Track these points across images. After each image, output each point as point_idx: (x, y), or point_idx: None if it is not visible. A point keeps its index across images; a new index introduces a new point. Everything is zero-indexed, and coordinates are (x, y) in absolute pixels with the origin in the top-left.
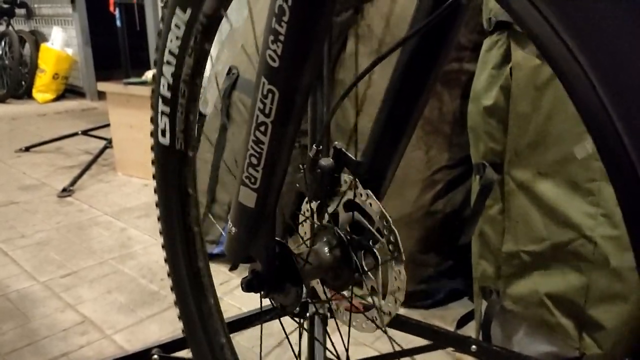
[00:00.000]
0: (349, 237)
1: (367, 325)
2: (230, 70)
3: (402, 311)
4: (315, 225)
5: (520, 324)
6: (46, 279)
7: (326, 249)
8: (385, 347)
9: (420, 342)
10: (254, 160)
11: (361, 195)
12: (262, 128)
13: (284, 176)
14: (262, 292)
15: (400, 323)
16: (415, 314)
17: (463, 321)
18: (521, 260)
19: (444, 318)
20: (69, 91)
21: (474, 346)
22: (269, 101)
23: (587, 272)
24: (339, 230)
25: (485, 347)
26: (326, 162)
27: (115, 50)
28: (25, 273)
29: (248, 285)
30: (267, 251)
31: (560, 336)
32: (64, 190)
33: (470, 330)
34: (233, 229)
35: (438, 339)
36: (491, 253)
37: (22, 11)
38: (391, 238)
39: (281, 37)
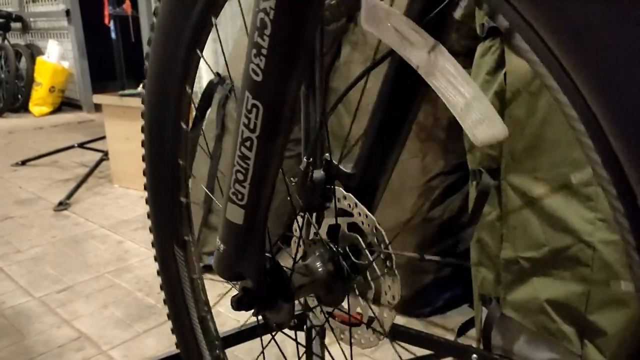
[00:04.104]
0: (341, 251)
1: (365, 339)
2: (224, 80)
3: (401, 320)
4: (308, 239)
5: (521, 331)
6: (42, 294)
7: (318, 264)
8: (385, 357)
9: (420, 352)
10: (240, 176)
11: (351, 206)
12: (248, 143)
13: (272, 191)
14: (253, 311)
15: (399, 333)
16: (415, 323)
17: (463, 329)
18: (520, 267)
19: (444, 326)
20: (66, 104)
21: (474, 355)
22: (253, 116)
23: (587, 277)
24: (331, 244)
25: (486, 355)
26: (317, 174)
27: (111, 62)
28: (20, 289)
29: (238, 304)
30: (257, 268)
31: (561, 343)
32: (60, 203)
33: (471, 338)
34: (221, 246)
35: (438, 348)
36: (490, 260)
37: (18, 25)
38: (383, 249)
39: (264, 51)
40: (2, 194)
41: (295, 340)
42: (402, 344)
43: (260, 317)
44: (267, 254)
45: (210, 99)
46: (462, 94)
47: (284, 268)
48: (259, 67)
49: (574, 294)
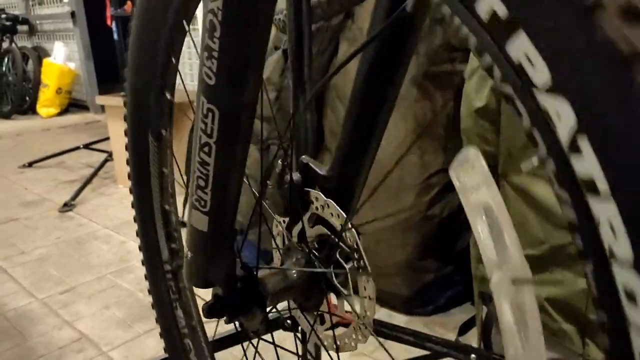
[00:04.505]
0: (317, 256)
1: (348, 342)
2: None
3: (403, 319)
4: (284, 244)
5: None
6: (44, 295)
7: (293, 270)
8: (386, 357)
9: (418, 352)
10: (202, 183)
11: (324, 208)
12: (206, 149)
13: (237, 197)
14: (225, 318)
15: (395, 333)
16: (416, 321)
17: (465, 328)
18: None
19: (446, 325)
20: (73, 105)
21: (473, 355)
22: (209, 121)
23: None
24: (307, 249)
25: (486, 355)
26: (294, 176)
27: (116, 63)
28: (23, 290)
29: (209, 311)
30: (226, 275)
31: (562, 342)
32: (65, 205)
33: (473, 337)
34: (189, 253)
35: (436, 348)
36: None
37: (25, 27)
38: (356, 253)
39: (215, 54)
40: (8, 196)
41: (273, 343)
42: (398, 344)
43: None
44: (239, 260)
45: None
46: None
47: (256, 274)
48: (211, 70)
49: (574, 292)
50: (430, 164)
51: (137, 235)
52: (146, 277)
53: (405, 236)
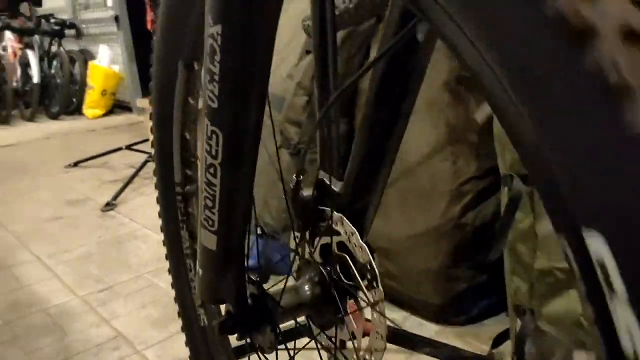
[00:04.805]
0: (332, 274)
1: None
2: None
3: (434, 328)
4: (299, 260)
5: (557, 345)
6: (84, 293)
7: (307, 287)
8: None
9: None
10: (209, 203)
11: (338, 226)
12: (212, 170)
13: (246, 216)
14: (236, 335)
15: (419, 343)
16: (448, 331)
17: (499, 340)
18: (555, 278)
19: (479, 336)
20: (117, 106)
21: None
22: (214, 143)
23: None
24: (321, 267)
25: None
26: (307, 193)
27: None
28: (65, 287)
29: (222, 328)
30: (236, 293)
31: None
32: (107, 204)
33: (507, 349)
34: (200, 270)
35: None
36: (524, 270)
37: (72, 32)
38: (369, 273)
39: (216, 77)
40: (54, 194)
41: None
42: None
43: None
44: (252, 277)
45: None
46: None
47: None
48: (213, 94)
49: None
50: (463, 170)
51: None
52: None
53: (437, 244)
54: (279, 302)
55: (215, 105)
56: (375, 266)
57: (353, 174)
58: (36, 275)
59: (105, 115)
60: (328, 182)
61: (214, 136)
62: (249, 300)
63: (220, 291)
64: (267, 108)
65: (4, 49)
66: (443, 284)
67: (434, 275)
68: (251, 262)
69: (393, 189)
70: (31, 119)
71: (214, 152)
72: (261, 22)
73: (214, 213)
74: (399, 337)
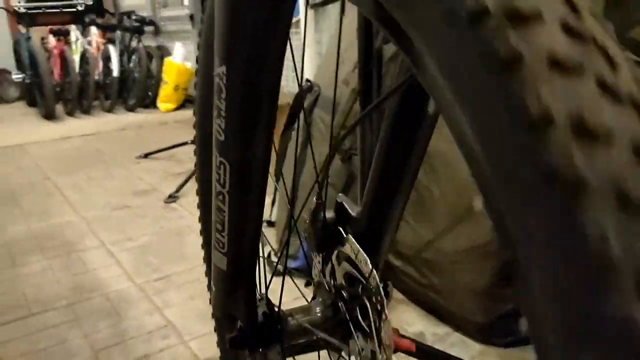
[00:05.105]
0: (344, 296)
1: None
2: (312, 87)
3: (478, 347)
4: (316, 280)
5: None
6: (142, 281)
7: (318, 308)
8: None
9: None
10: (219, 227)
11: (352, 250)
12: (221, 197)
13: (255, 239)
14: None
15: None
16: (491, 352)
17: None
18: None
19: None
20: (188, 101)
21: None
22: (222, 172)
23: None
24: (333, 288)
25: None
26: (328, 215)
27: None
28: (125, 274)
29: (232, 343)
30: (246, 311)
31: None
32: (170, 196)
33: None
34: (213, 287)
35: None
36: None
37: (151, 28)
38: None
39: (222, 113)
40: (124, 184)
41: None
42: None
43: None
44: (263, 296)
45: (301, 104)
46: None
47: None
48: (221, 128)
49: None
50: None
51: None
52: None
53: (484, 262)
54: (288, 322)
55: (222, 138)
56: (381, 292)
57: (369, 201)
58: (100, 261)
59: (176, 109)
60: (347, 207)
61: (222, 167)
62: (261, 318)
63: (231, 308)
64: (320, 112)
65: (89, 43)
66: (488, 303)
67: (480, 293)
68: (298, 263)
69: (442, 202)
70: (110, 110)
71: (222, 181)
72: (264, 63)
73: (223, 236)
74: (425, 353)
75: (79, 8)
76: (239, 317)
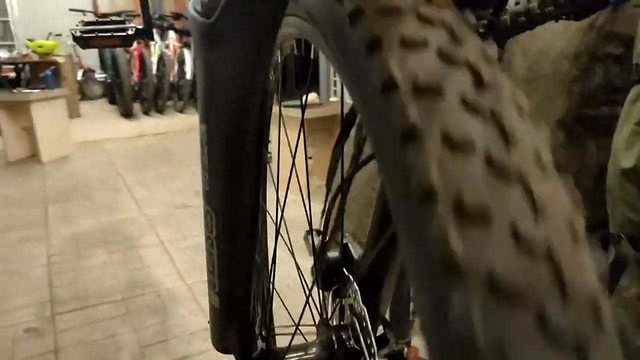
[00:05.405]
0: (341, 339)
1: None
2: None
3: None
4: (319, 319)
5: None
6: (191, 281)
7: (314, 349)
8: None
9: None
10: (210, 268)
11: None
12: (209, 242)
13: (247, 281)
14: None
15: None
16: None
17: None
18: None
19: None
20: None
21: None
22: (209, 220)
23: None
24: (332, 329)
25: None
26: (333, 255)
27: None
28: (177, 273)
29: None
30: (240, 348)
31: None
32: None
33: None
34: (210, 321)
35: None
36: (626, 346)
37: None
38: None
39: (206, 166)
40: (187, 184)
41: None
42: None
43: None
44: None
45: (355, 117)
46: None
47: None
48: (206, 179)
49: None
50: None
51: None
52: None
53: None
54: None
55: (207, 189)
56: (374, 343)
57: (371, 244)
58: (156, 258)
59: None
60: (351, 249)
61: (208, 215)
62: (258, 353)
63: (227, 343)
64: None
65: (167, 46)
66: None
67: None
68: None
69: None
70: (181, 110)
71: (210, 228)
72: (242, 122)
73: (214, 277)
74: None
75: (129, 32)
76: (233, 352)
